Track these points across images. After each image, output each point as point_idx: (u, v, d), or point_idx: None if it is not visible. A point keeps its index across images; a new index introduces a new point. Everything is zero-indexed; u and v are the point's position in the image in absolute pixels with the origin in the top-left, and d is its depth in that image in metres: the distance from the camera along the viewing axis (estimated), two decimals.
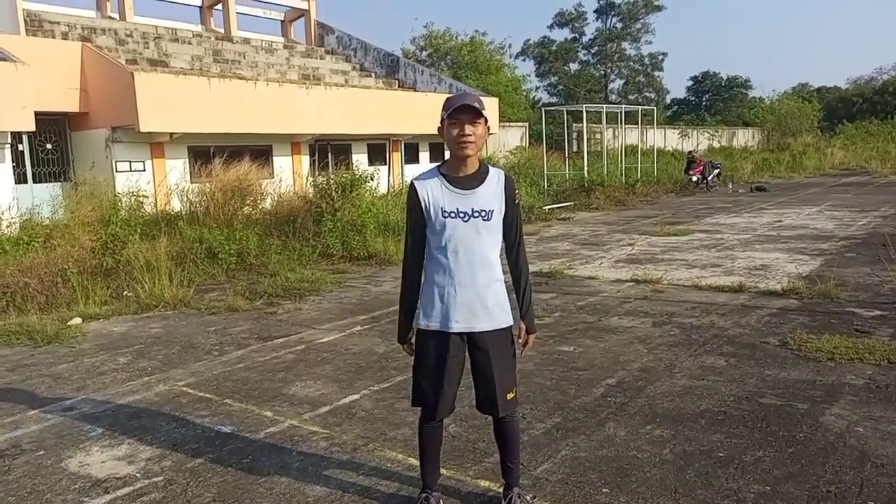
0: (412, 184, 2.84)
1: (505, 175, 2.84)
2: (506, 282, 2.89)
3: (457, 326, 2.81)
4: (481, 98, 2.79)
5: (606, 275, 8.49)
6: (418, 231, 2.84)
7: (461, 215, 2.76)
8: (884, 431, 3.70)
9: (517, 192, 2.85)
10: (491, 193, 2.78)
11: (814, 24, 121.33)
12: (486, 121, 2.75)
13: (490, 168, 2.84)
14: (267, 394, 4.65)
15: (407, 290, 2.92)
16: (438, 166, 2.87)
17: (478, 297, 2.79)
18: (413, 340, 2.97)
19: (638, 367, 4.95)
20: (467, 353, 2.87)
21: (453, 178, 2.79)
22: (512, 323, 2.89)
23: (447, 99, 2.76)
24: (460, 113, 2.69)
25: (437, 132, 2.85)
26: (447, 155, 2.85)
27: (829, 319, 6.03)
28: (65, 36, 16.09)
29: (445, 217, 2.76)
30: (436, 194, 2.79)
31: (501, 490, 3.10)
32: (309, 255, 9.80)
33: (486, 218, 2.77)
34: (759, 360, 4.98)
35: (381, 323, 6.49)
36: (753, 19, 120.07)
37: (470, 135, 2.69)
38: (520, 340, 2.97)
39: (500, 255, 2.88)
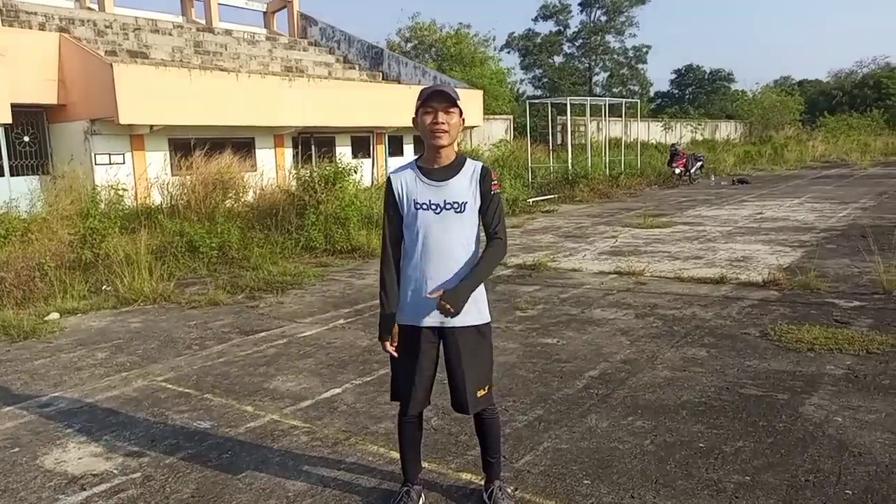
0: (388, 177, 2.81)
1: (482, 167, 2.78)
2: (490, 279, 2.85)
3: (428, 321, 2.76)
4: (459, 91, 2.74)
5: (590, 267, 8.51)
6: (395, 224, 2.79)
7: (433, 207, 2.71)
8: (862, 421, 3.74)
9: (495, 183, 2.77)
10: (465, 185, 2.72)
11: (795, 17, 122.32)
12: (461, 112, 2.70)
13: (467, 160, 2.79)
14: (248, 388, 4.61)
15: (387, 285, 2.80)
16: (416, 159, 2.84)
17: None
18: (396, 339, 2.81)
19: (620, 358, 4.97)
20: (441, 349, 2.83)
21: (427, 169, 2.75)
22: (488, 320, 2.83)
23: (421, 90, 2.72)
24: (434, 100, 2.65)
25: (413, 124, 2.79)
26: None
27: (809, 310, 6.08)
28: (42, 27, 15.81)
29: (417, 209, 2.72)
30: (409, 186, 2.75)
31: (483, 483, 3.09)
32: (291, 248, 9.74)
33: (458, 210, 2.71)
34: (739, 351, 5.02)
35: (364, 316, 6.46)
36: (736, 13, 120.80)
37: (443, 123, 2.64)
38: (429, 294, 2.65)
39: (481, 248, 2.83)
